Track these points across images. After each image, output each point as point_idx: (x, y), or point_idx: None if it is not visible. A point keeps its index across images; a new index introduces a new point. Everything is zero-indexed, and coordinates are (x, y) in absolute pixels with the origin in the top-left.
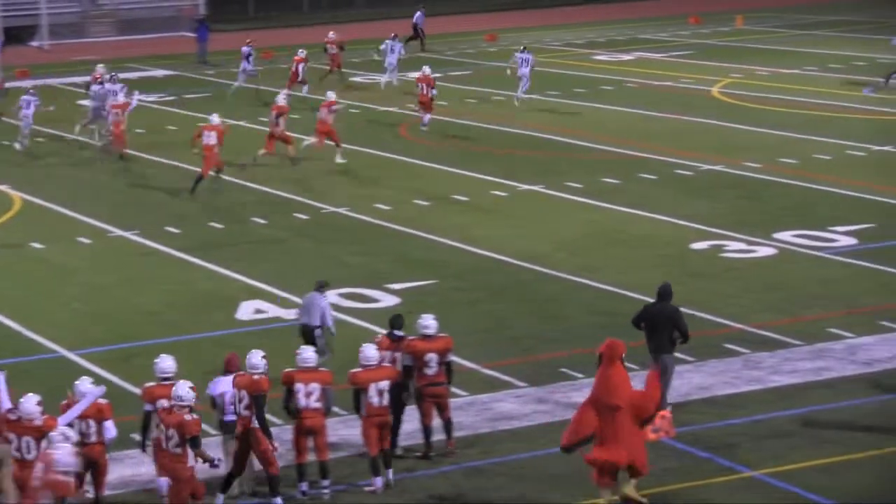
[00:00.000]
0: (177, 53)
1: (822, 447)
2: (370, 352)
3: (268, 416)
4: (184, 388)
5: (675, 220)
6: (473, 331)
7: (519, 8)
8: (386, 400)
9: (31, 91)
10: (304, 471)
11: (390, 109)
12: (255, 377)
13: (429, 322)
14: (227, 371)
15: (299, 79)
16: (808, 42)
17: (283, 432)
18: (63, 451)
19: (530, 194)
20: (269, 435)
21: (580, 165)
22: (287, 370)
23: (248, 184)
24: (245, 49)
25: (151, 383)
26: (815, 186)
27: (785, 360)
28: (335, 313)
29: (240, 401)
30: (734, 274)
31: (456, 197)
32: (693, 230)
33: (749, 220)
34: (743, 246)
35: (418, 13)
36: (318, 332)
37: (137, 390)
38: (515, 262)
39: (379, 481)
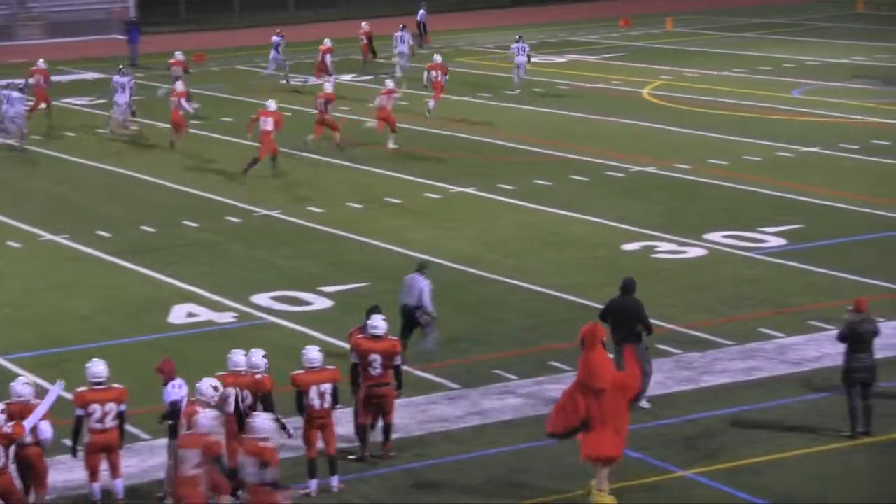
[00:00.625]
0: (107, 56)
1: (752, 447)
2: (312, 354)
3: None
4: (206, 385)
5: (607, 222)
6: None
7: (451, 10)
8: (328, 402)
9: None
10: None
11: (305, 110)
12: (258, 377)
13: (378, 322)
14: (166, 379)
15: (327, 69)
16: (738, 44)
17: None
18: (205, 416)
19: (463, 196)
20: (283, 427)
21: (512, 167)
22: (219, 374)
23: (181, 187)
24: (275, 38)
25: (83, 388)
26: (744, 187)
27: (716, 360)
28: (271, 317)
29: (243, 400)
30: (665, 275)
31: (389, 199)
32: (624, 231)
33: (680, 222)
34: (674, 247)
35: (421, 11)
36: (418, 312)
37: (69, 395)
38: (448, 264)
39: (313, 484)
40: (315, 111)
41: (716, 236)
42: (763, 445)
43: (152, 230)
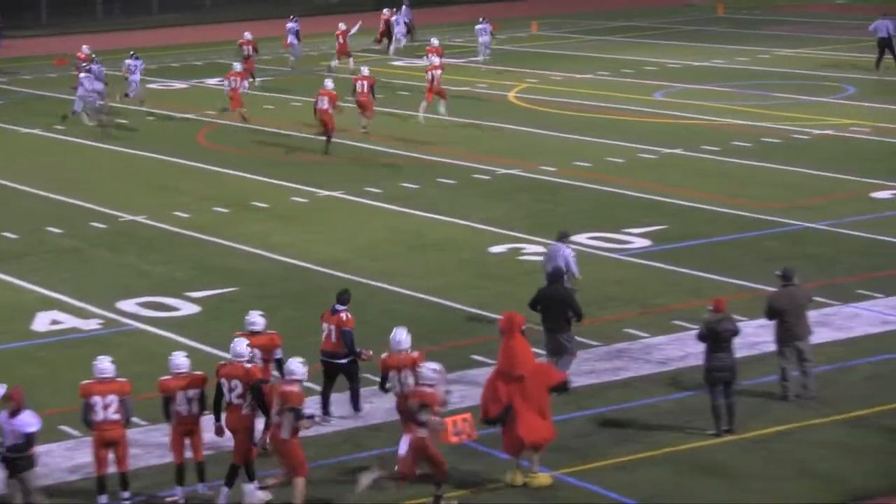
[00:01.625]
0: None
1: (620, 446)
2: (179, 360)
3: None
4: (295, 363)
5: (474, 224)
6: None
7: (317, 14)
8: (195, 408)
9: None
10: (105, 483)
11: (188, 116)
12: (247, 366)
13: (255, 318)
14: (15, 409)
15: (347, 50)
16: (601, 47)
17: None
18: (293, 361)
19: (330, 200)
20: (269, 418)
21: (379, 171)
22: (84, 382)
23: (44, 192)
24: (291, 25)
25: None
26: (609, 189)
27: (583, 361)
28: (138, 323)
29: (230, 390)
30: (532, 277)
31: (256, 204)
32: (491, 234)
33: (545, 224)
34: (540, 249)
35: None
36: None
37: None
38: (316, 268)
39: (179, 491)
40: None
41: (581, 238)
42: (630, 444)
43: (14, 237)
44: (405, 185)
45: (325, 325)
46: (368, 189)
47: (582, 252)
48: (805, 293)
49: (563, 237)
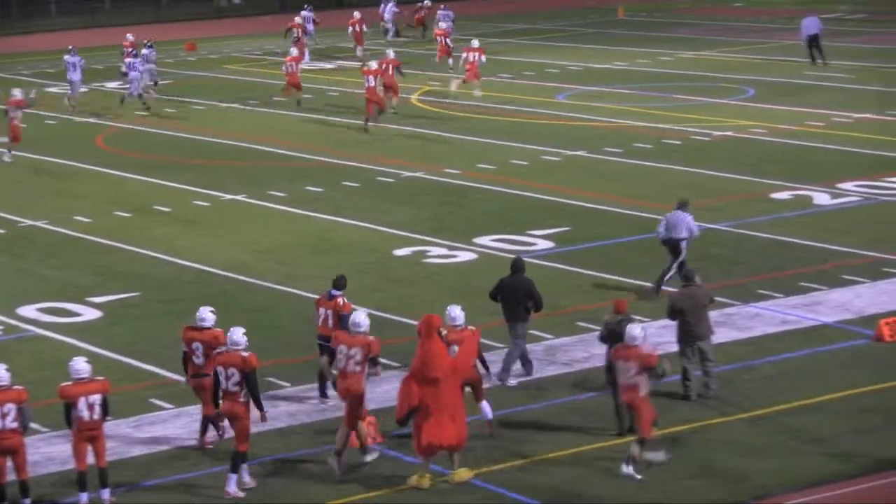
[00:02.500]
0: None
1: (523, 446)
2: (80, 365)
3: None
4: (360, 315)
5: (378, 227)
6: (178, 342)
7: (213, 18)
8: (97, 414)
9: None
10: (5, 491)
11: (88, 120)
12: (244, 354)
13: (205, 314)
14: None
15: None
16: (504, 50)
17: None
18: (358, 314)
19: (234, 204)
20: (260, 407)
21: (283, 174)
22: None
23: None
24: (307, 14)
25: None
26: (512, 191)
27: (490, 363)
28: (38, 329)
29: (227, 378)
30: (436, 279)
31: (158, 208)
32: (395, 237)
33: (450, 226)
34: (444, 251)
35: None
36: (683, 243)
37: None
38: (220, 272)
39: (84, 497)
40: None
41: (486, 240)
42: (534, 445)
43: None
44: (309, 188)
45: (321, 310)
46: (272, 192)
47: (486, 254)
48: (706, 293)
49: (682, 206)
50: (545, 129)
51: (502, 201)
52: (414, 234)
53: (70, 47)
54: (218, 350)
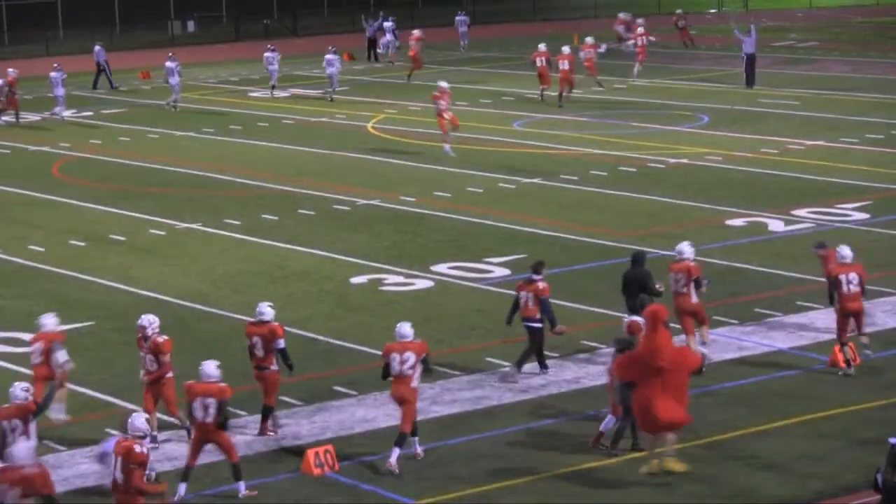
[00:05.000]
0: None
1: (481, 475)
2: (17, 392)
3: None
4: (405, 327)
5: (334, 255)
6: (134, 372)
7: (169, 46)
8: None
9: None
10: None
11: (42, 149)
12: (221, 385)
13: (264, 309)
14: None
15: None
16: (460, 78)
17: None
18: (404, 325)
19: (189, 233)
20: (225, 428)
21: (238, 203)
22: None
23: None
24: (388, 24)
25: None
26: (469, 219)
27: (445, 391)
28: None
29: (205, 408)
30: (393, 307)
31: (113, 237)
32: (352, 264)
33: (407, 254)
34: (401, 279)
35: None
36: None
37: None
38: (176, 301)
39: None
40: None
41: (442, 267)
42: (491, 474)
43: None
44: (265, 216)
45: (522, 294)
46: (228, 221)
47: (442, 282)
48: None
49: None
50: (501, 156)
51: (458, 229)
52: (370, 262)
53: (55, 64)
54: (251, 320)
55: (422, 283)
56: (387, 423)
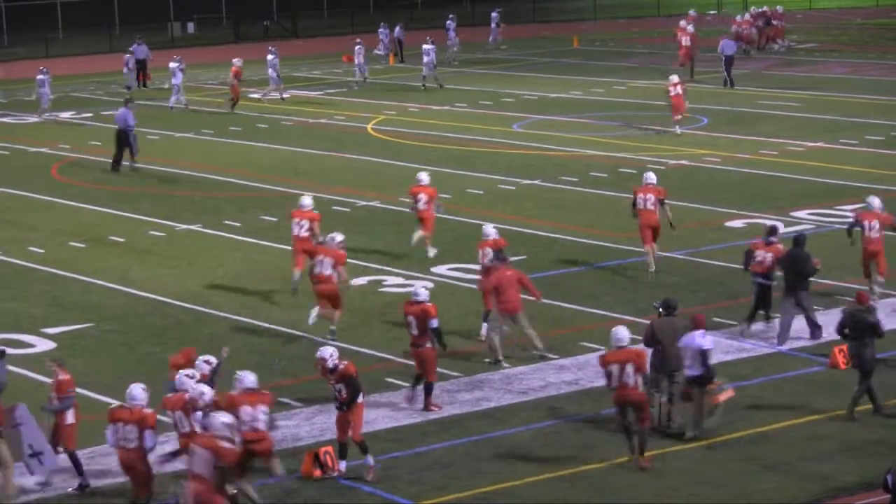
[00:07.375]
0: None
1: (481, 476)
2: (248, 378)
3: None
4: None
5: None
6: (133, 374)
7: (169, 47)
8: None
9: None
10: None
11: (41, 150)
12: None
13: (419, 290)
14: None
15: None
16: (459, 79)
17: None
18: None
19: (188, 234)
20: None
21: (238, 204)
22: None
23: None
24: (429, 47)
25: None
26: (468, 220)
27: (444, 392)
28: None
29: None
30: (393, 309)
31: (112, 238)
32: (351, 266)
33: (406, 255)
34: (401, 280)
35: (398, 28)
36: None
37: None
38: (175, 302)
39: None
40: None
41: (442, 269)
42: (491, 476)
43: None
44: (264, 217)
45: (759, 252)
46: (227, 222)
47: (442, 284)
48: (684, 324)
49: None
50: (501, 158)
51: (458, 230)
52: (370, 264)
53: (42, 68)
54: (410, 300)
55: (422, 285)
56: (385, 425)
